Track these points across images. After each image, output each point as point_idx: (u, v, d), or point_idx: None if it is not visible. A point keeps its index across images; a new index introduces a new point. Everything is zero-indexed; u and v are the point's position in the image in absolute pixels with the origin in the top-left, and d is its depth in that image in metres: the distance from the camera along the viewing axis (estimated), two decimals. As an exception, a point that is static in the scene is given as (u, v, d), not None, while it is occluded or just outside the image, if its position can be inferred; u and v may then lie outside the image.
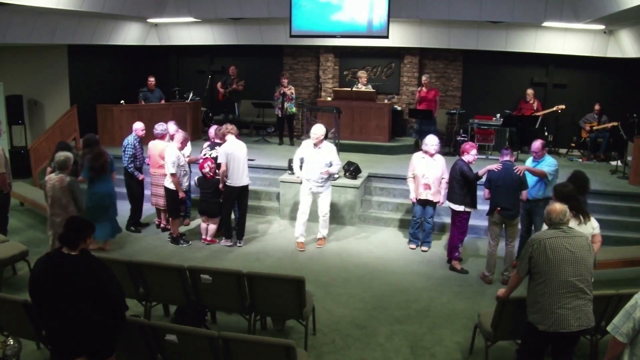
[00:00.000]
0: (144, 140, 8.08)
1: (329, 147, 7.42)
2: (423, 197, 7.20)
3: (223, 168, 7.18)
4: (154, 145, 7.95)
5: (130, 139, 7.81)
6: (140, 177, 7.87)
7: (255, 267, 6.54)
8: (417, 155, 7.31)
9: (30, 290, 3.52)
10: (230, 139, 7.31)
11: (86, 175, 6.92)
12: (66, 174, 6.01)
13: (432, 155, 7.18)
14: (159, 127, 7.95)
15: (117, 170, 8.96)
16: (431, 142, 7.17)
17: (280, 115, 11.42)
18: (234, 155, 7.20)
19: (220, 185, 7.31)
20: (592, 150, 10.94)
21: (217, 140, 7.67)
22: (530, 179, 6.52)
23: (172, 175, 7.22)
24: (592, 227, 4.74)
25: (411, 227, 7.58)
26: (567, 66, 11.55)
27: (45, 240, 7.55)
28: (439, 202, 7.28)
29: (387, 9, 10.26)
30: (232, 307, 5.05)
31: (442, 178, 7.19)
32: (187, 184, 7.63)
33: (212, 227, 7.60)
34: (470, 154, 6.68)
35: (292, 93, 11.46)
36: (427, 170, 7.13)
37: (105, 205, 6.98)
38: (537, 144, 6.59)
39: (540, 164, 6.55)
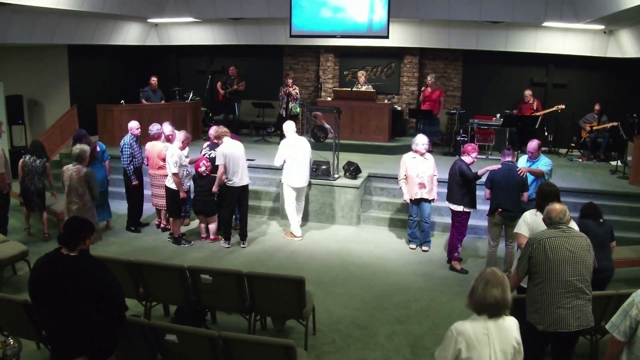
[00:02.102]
0: (141, 141, 8.09)
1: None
2: (419, 196, 7.21)
3: (221, 170, 7.18)
4: (152, 146, 7.95)
5: (126, 139, 7.80)
6: (134, 182, 7.85)
7: (255, 267, 6.54)
8: (408, 156, 7.30)
9: (30, 291, 3.52)
10: (226, 140, 7.30)
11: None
12: (83, 165, 6.40)
13: (422, 154, 7.20)
14: (154, 128, 7.96)
15: (117, 171, 9.02)
16: (422, 141, 7.19)
17: (284, 115, 11.41)
18: (233, 155, 7.19)
19: (215, 189, 7.27)
20: (592, 150, 10.94)
21: (217, 141, 7.67)
22: (527, 179, 6.53)
23: (174, 175, 7.22)
24: None
25: (409, 227, 7.58)
26: (567, 66, 11.55)
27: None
28: (433, 199, 7.34)
29: (387, 9, 10.26)
30: (232, 307, 5.05)
31: (434, 175, 7.30)
32: (188, 184, 7.64)
33: (212, 227, 7.61)
34: (471, 156, 6.68)
35: (297, 93, 11.47)
36: (421, 169, 7.14)
37: (100, 190, 7.36)
38: (533, 144, 6.60)
39: (536, 164, 6.57)
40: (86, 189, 6.36)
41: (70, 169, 6.38)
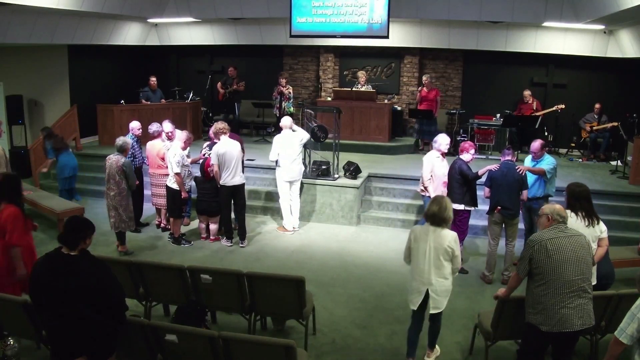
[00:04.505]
0: (141, 140, 8.09)
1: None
2: None
3: (215, 169, 7.20)
4: (152, 146, 7.96)
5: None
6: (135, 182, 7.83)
7: (255, 267, 6.54)
8: (433, 155, 7.15)
9: (30, 291, 3.52)
10: (223, 138, 7.29)
11: (52, 156, 8.91)
12: (124, 156, 6.98)
13: (444, 154, 7.18)
14: (153, 127, 7.98)
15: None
16: (446, 141, 7.12)
17: (278, 115, 11.42)
18: (227, 155, 7.18)
19: (218, 185, 7.34)
20: (592, 150, 10.94)
21: (217, 141, 7.66)
22: (531, 178, 6.56)
23: (177, 174, 7.21)
24: (600, 230, 4.71)
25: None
26: (567, 66, 11.55)
27: (45, 240, 7.59)
28: None
29: (387, 9, 10.26)
30: (232, 307, 5.06)
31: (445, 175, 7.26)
32: (190, 184, 7.64)
33: (214, 227, 7.60)
34: (469, 153, 6.68)
35: (289, 93, 11.46)
36: (445, 169, 7.08)
37: (74, 175, 8.60)
38: (536, 144, 6.62)
39: (540, 164, 6.61)
40: (123, 178, 6.88)
41: (111, 158, 6.97)
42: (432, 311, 4.48)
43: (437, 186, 7.15)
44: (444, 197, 4.54)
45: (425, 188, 7.26)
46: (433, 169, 7.14)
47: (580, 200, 4.70)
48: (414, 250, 4.50)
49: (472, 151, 6.72)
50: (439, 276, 4.39)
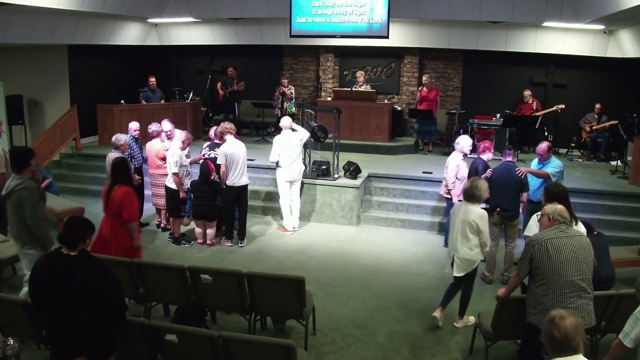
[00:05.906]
0: (142, 141, 8.09)
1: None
2: None
3: (223, 169, 7.18)
4: (151, 146, 7.96)
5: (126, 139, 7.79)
6: (135, 182, 7.80)
7: (255, 267, 6.53)
8: (458, 158, 7.10)
9: (30, 291, 3.53)
10: (229, 139, 7.29)
11: (50, 176, 8.67)
12: (120, 152, 7.14)
13: (466, 155, 7.17)
14: (152, 127, 7.98)
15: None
16: (469, 143, 7.11)
17: (279, 115, 11.41)
18: (234, 155, 7.20)
19: (224, 186, 7.30)
20: (592, 150, 10.94)
21: (217, 141, 7.65)
22: (535, 181, 6.53)
23: (175, 174, 7.20)
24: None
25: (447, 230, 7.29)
26: (567, 66, 11.54)
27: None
28: None
29: (387, 9, 10.26)
30: (232, 307, 5.05)
31: None
32: (189, 184, 7.61)
33: (210, 232, 7.52)
34: (492, 152, 6.78)
35: (291, 93, 11.46)
36: (466, 170, 7.08)
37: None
38: (543, 146, 6.57)
39: (546, 166, 6.54)
40: None
41: (109, 155, 7.26)
42: (454, 273, 5.20)
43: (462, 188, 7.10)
44: (479, 179, 5.29)
45: (450, 191, 7.19)
46: (458, 171, 7.08)
47: (560, 200, 4.67)
48: (451, 222, 5.29)
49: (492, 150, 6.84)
50: (465, 246, 5.08)
